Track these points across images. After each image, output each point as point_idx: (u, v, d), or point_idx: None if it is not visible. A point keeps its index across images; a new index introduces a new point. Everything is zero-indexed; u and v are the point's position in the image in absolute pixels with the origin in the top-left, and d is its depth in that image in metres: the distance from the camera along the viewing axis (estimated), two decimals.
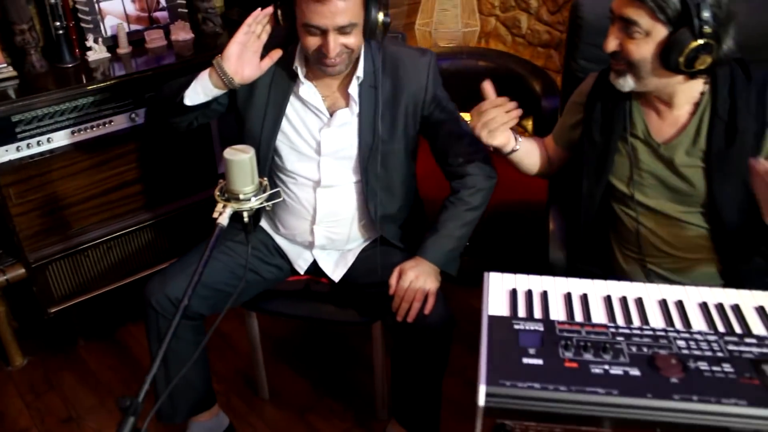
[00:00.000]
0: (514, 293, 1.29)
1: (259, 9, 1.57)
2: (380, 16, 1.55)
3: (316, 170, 1.73)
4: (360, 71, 1.66)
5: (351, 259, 1.84)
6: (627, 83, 1.44)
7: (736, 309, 1.26)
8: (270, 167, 1.76)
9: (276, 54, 1.62)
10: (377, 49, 1.67)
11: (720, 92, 1.43)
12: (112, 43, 2.40)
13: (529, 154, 1.71)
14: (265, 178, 1.36)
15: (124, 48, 2.39)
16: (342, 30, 1.51)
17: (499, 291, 1.30)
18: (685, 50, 1.32)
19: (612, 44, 1.41)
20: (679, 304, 1.27)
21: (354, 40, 1.55)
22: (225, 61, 1.57)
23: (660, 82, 1.42)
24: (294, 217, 1.80)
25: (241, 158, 1.28)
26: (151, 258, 2.45)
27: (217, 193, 1.33)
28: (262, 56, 1.62)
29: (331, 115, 1.70)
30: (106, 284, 2.39)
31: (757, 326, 1.21)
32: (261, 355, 2.18)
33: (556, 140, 1.75)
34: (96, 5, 2.37)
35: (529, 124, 2.66)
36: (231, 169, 1.29)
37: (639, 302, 1.28)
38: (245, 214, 1.32)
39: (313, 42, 1.54)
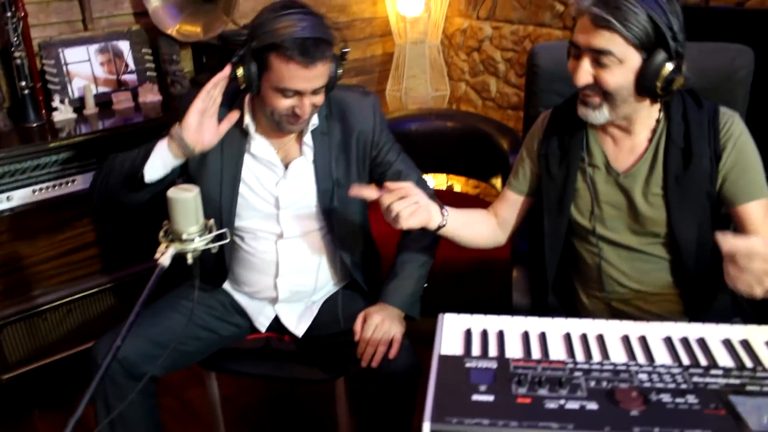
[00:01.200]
0: (468, 333, 1.24)
1: (219, 74, 1.50)
2: (339, 72, 1.57)
3: (277, 224, 1.70)
4: (315, 119, 1.64)
5: (315, 311, 1.78)
6: (602, 115, 1.40)
7: (702, 342, 1.21)
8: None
9: (234, 116, 1.57)
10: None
11: (674, 118, 1.43)
12: (79, 104, 2.40)
13: (465, 227, 1.62)
14: (212, 219, 1.32)
15: (90, 109, 2.39)
16: (315, 91, 1.52)
17: (454, 331, 1.25)
18: (661, 73, 1.31)
19: (584, 77, 1.36)
20: (642, 340, 1.22)
21: (321, 97, 1.56)
22: (185, 130, 1.50)
23: (632, 108, 1.41)
24: (255, 272, 1.75)
25: (184, 197, 1.24)
26: (112, 323, 2.36)
27: (161, 234, 1.28)
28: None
29: (286, 167, 1.67)
30: (65, 350, 2.30)
31: (723, 358, 1.17)
32: (222, 421, 2.07)
33: (514, 188, 1.67)
34: (64, 67, 2.38)
35: (497, 182, 2.66)
36: (174, 208, 1.25)
37: (600, 338, 1.23)
38: (189, 256, 1.27)
39: (285, 104, 1.52)
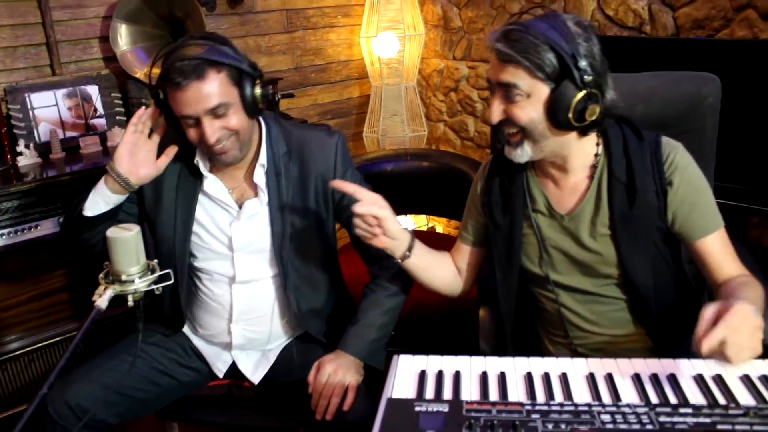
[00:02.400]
0: (423, 374, 1.17)
1: (141, 110, 1.52)
2: (257, 90, 1.48)
3: (231, 266, 1.63)
4: (263, 158, 1.58)
5: (272, 358, 1.70)
6: (524, 152, 1.35)
7: (672, 379, 1.14)
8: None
9: (172, 151, 1.55)
10: (279, 133, 1.61)
11: (614, 153, 1.37)
12: (45, 149, 2.36)
13: (429, 269, 1.55)
14: (155, 260, 1.26)
15: (57, 153, 2.35)
16: (214, 113, 1.44)
17: (407, 373, 1.17)
18: (572, 103, 1.26)
19: (496, 113, 1.32)
20: (609, 378, 1.15)
21: (234, 120, 1.46)
22: (117, 163, 1.49)
23: (555, 143, 1.34)
24: (210, 315, 1.68)
25: (124, 236, 1.18)
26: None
27: (101, 276, 1.22)
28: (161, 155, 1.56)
29: (240, 207, 1.61)
30: (27, 400, 2.21)
31: (694, 395, 1.09)
32: None
33: (466, 240, 1.60)
34: (30, 112, 2.35)
35: None
36: (113, 248, 1.19)
37: (563, 377, 1.16)
38: (130, 298, 1.21)
39: (193, 133, 1.47)
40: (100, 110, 2.51)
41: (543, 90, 1.27)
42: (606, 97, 1.30)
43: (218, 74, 1.42)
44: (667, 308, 1.39)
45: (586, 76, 1.24)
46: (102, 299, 1.18)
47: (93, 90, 2.49)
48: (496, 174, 1.49)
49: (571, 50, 1.23)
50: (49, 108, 2.40)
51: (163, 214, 1.61)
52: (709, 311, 1.11)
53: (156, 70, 1.50)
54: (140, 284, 1.21)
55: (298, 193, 1.61)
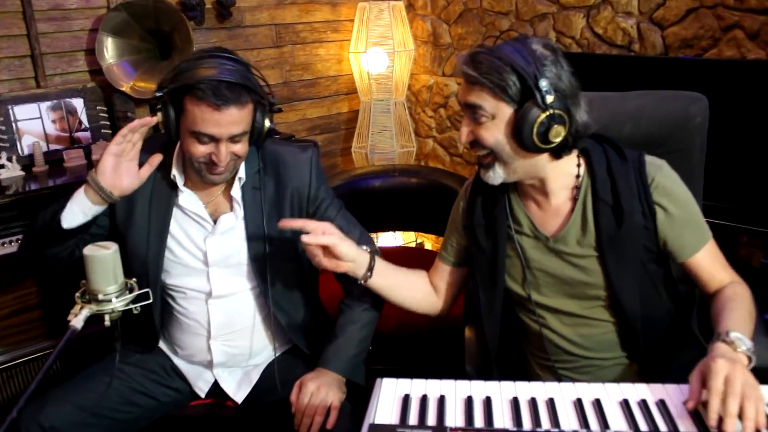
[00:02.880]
0: (407, 399, 1.14)
1: (137, 121, 1.44)
2: (267, 123, 1.50)
3: (206, 281, 1.60)
4: (242, 172, 1.56)
5: (255, 377, 1.66)
6: (497, 174, 1.34)
7: (662, 405, 1.12)
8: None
9: (156, 160, 1.50)
10: (257, 149, 1.59)
11: (598, 174, 1.34)
12: (28, 161, 2.33)
13: (396, 288, 1.54)
14: (134, 279, 1.23)
15: (40, 167, 2.32)
16: (234, 138, 1.44)
17: (391, 397, 1.15)
18: (534, 124, 1.24)
19: (464, 135, 1.33)
20: (597, 403, 1.13)
21: (242, 147, 1.48)
22: (100, 175, 1.43)
23: (527, 165, 1.33)
24: (188, 334, 1.65)
25: (101, 254, 1.16)
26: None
27: (77, 295, 1.19)
28: (140, 162, 1.50)
29: (215, 221, 1.58)
30: (3, 416, 2.16)
31: (685, 422, 1.07)
32: None
33: (445, 259, 1.58)
34: (14, 124, 2.32)
35: None
36: (90, 266, 1.16)
37: (550, 403, 1.13)
38: (107, 318, 1.18)
39: (202, 150, 1.44)
40: (85, 123, 2.48)
41: (506, 111, 1.27)
42: (576, 119, 1.28)
43: (250, 104, 1.44)
44: (655, 330, 1.37)
45: (548, 97, 1.23)
46: (77, 319, 1.15)
47: (78, 103, 2.46)
48: (478, 195, 1.48)
49: (534, 72, 1.23)
50: (33, 120, 2.37)
51: (136, 227, 1.57)
52: (695, 376, 1.10)
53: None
54: (117, 304, 1.18)
55: (274, 208, 1.60)
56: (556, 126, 1.24)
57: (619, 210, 1.32)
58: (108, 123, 2.52)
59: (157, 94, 1.44)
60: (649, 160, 1.35)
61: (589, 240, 1.35)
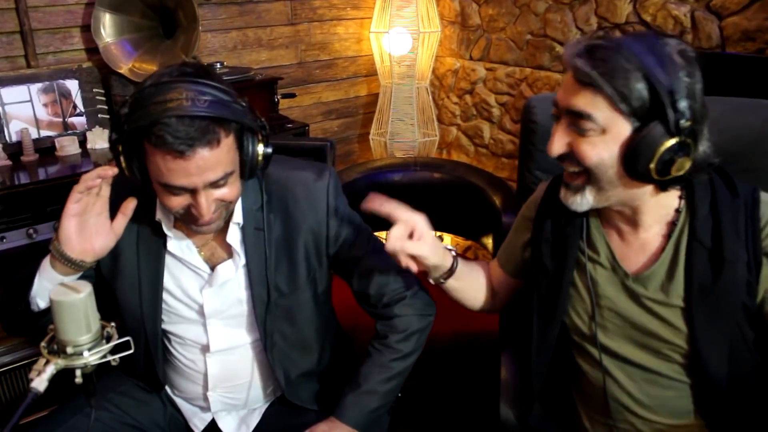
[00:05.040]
0: None
1: (93, 172, 1.17)
2: (260, 149, 1.21)
3: (203, 334, 1.39)
4: (238, 216, 1.31)
5: (255, 420, 1.48)
6: (585, 200, 1.12)
7: None
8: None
9: (129, 207, 1.24)
10: (259, 179, 1.33)
11: (699, 210, 1.12)
12: (16, 149, 2.14)
13: (469, 283, 1.40)
14: (112, 324, 1.03)
15: (29, 155, 2.13)
16: (215, 184, 1.16)
17: None
18: (657, 151, 1.01)
19: (559, 145, 1.09)
20: None
21: (230, 190, 1.20)
22: (64, 243, 1.18)
23: (625, 194, 1.11)
24: (185, 379, 1.46)
25: (70, 299, 0.96)
26: (52, 397, 2.07)
27: (43, 344, 1.00)
28: (113, 213, 1.23)
29: (212, 268, 1.34)
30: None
31: None
32: None
33: (502, 265, 1.43)
34: (1, 108, 2.12)
35: (489, 241, 2.39)
36: (58, 313, 0.96)
37: None
38: (78, 372, 0.99)
39: (177, 202, 1.17)
40: (80, 108, 2.27)
41: (624, 127, 1.03)
42: (699, 149, 1.05)
43: (227, 138, 1.14)
44: (741, 401, 1.15)
45: (682, 121, 1.00)
46: (41, 379, 0.95)
47: (72, 85, 2.25)
48: (551, 206, 1.26)
49: (670, 84, 0.99)
50: (22, 104, 2.17)
51: (125, 279, 1.34)
52: None
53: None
54: (91, 357, 0.99)
55: (283, 252, 1.35)
56: (681, 158, 1.02)
57: (719, 257, 1.09)
58: (105, 107, 2.32)
59: (112, 138, 1.16)
60: (765, 199, 1.11)
61: (677, 288, 1.13)
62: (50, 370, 0.96)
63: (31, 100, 2.19)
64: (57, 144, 2.19)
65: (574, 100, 1.05)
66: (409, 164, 2.57)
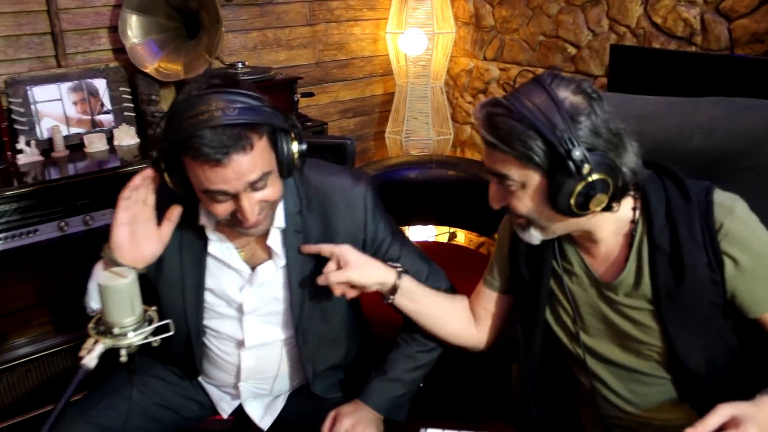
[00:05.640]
0: None
1: (137, 177, 1.24)
2: (294, 147, 1.25)
3: (239, 330, 1.46)
4: (280, 220, 1.35)
5: (279, 405, 1.56)
6: (534, 236, 1.19)
7: None
8: None
9: (175, 213, 1.29)
10: (298, 184, 1.38)
11: (655, 220, 1.17)
12: (47, 146, 2.23)
13: (429, 307, 1.42)
14: (154, 308, 1.11)
15: (60, 151, 2.22)
16: (254, 186, 1.21)
17: None
18: (570, 196, 1.08)
19: (495, 202, 1.18)
20: None
21: (272, 190, 1.24)
22: (117, 251, 1.24)
23: (569, 225, 1.17)
24: (218, 369, 1.53)
25: (117, 284, 1.04)
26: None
27: (90, 326, 1.08)
28: (158, 220, 1.29)
29: (253, 268, 1.40)
30: (23, 413, 2.13)
31: None
32: None
33: (491, 286, 1.42)
34: (33, 106, 2.21)
35: None
36: (105, 296, 1.05)
37: None
38: (123, 352, 1.07)
39: (222, 209, 1.22)
40: (108, 106, 2.36)
41: (536, 179, 1.10)
42: (622, 171, 1.10)
43: (260, 140, 1.19)
44: (723, 388, 1.19)
45: (585, 165, 1.05)
46: (91, 356, 1.04)
47: (100, 84, 2.34)
48: None
49: (564, 136, 1.04)
50: (52, 102, 2.26)
51: (169, 281, 1.40)
52: (719, 416, 0.97)
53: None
54: (135, 338, 1.07)
55: (322, 256, 1.40)
56: (597, 195, 1.08)
57: (679, 262, 1.15)
58: (131, 105, 2.40)
59: (153, 155, 1.22)
60: (718, 200, 1.16)
61: (645, 293, 1.19)
62: (99, 348, 1.05)
63: (61, 99, 2.27)
64: (86, 140, 2.27)
65: (491, 163, 1.12)
66: (424, 162, 2.63)
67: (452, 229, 3.30)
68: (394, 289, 1.36)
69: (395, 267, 1.38)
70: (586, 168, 1.05)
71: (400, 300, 1.38)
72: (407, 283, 1.38)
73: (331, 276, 1.30)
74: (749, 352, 1.26)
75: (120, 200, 1.23)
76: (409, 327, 1.47)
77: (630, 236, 1.20)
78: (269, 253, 1.39)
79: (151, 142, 2.36)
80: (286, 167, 1.25)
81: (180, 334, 1.40)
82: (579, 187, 1.06)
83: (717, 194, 1.17)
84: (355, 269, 1.31)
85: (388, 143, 3.18)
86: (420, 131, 3.10)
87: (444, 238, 3.30)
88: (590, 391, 1.30)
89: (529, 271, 1.31)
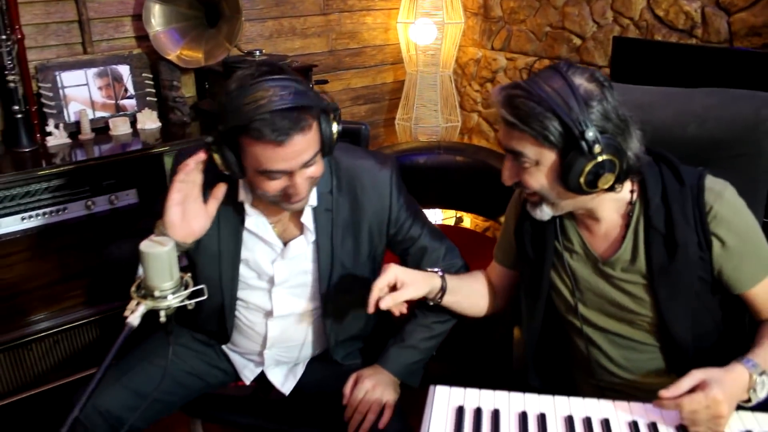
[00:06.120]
0: (461, 411, 1.13)
1: (190, 160, 1.35)
2: (334, 128, 1.36)
3: (268, 300, 1.56)
4: (313, 198, 1.47)
5: (300, 371, 1.68)
6: (544, 212, 1.30)
7: None
8: None
9: (221, 191, 1.40)
10: (329, 165, 1.48)
11: (652, 201, 1.29)
12: (75, 129, 2.34)
13: (465, 294, 1.53)
14: (189, 274, 1.22)
15: (86, 134, 2.32)
16: (306, 164, 1.33)
17: (444, 407, 1.15)
18: (581, 174, 1.18)
19: (508, 177, 1.28)
20: (653, 426, 1.11)
21: (318, 167, 1.36)
22: (170, 229, 1.35)
23: (577, 202, 1.29)
24: (244, 338, 1.65)
25: (157, 251, 1.15)
26: (100, 356, 2.28)
27: (133, 289, 1.19)
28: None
29: (285, 244, 1.52)
30: (51, 382, 2.23)
31: None
32: None
33: (501, 261, 1.56)
34: (61, 91, 2.32)
35: None
36: (147, 262, 1.15)
37: (605, 424, 1.12)
38: (162, 313, 1.18)
39: (275, 186, 1.33)
40: (131, 91, 2.46)
41: (550, 157, 1.21)
42: (627, 155, 1.22)
43: (314, 122, 1.31)
44: (707, 357, 1.31)
45: (596, 146, 1.16)
46: (134, 316, 1.15)
47: (124, 70, 2.44)
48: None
49: (578, 118, 1.15)
50: (79, 87, 2.36)
51: (206, 253, 1.51)
52: (691, 379, 1.12)
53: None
54: (173, 300, 1.18)
55: (349, 231, 1.52)
56: (605, 173, 1.18)
57: (672, 241, 1.26)
58: (153, 91, 2.50)
59: (208, 141, 1.33)
60: (709, 185, 1.28)
61: (640, 268, 1.31)
62: (141, 309, 1.16)
63: (87, 84, 2.38)
64: (110, 124, 2.38)
65: (508, 141, 1.23)
66: (433, 148, 2.73)
67: (459, 213, 3.40)
68: (443, 291, 1.45)
69: (435, 271, 1.47)
70: (597, 148, 1.16)
71: (447, 298, 1.47)
72: (451, 282, 1.47)
73: (390, 299, 1.34)
74: (733, 328, 1.38)
75: (174, 182, 1.35)
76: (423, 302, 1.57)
77: (627, 216, 1.31)
78: (300, 229, 1.50)
79: (173, 126, 2.47)
80: (327, 146, 1.36)
81: (213, 303, 1.51)
82: (589, 166, 1.17)
83: (708, 180, 1.28)
84: (409, 287, 1.37)
85: (397, 129, 3.28)
86: (429, 118, 3.19)
87: (451, 222, 3.40)
88: (587, 358, 1.42)
89: (534, 248, 1.42)
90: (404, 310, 1.39)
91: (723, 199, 1.26)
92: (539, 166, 1.22)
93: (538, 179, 1.23)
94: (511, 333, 1.70)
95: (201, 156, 1.35)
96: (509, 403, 1.17)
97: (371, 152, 1.63)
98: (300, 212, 1.48)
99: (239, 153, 1.31)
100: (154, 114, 2.45)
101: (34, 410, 2.32)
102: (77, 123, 2.33)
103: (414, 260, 1.59)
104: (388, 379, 1.49)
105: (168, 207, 1.35)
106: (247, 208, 1.48)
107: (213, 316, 1.58)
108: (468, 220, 3.42)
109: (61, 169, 2.08)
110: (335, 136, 1.37)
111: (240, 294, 1.57)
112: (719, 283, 1.30)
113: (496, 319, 1.63)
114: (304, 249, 1.52)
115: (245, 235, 1.51)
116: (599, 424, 1.12)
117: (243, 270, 1.54)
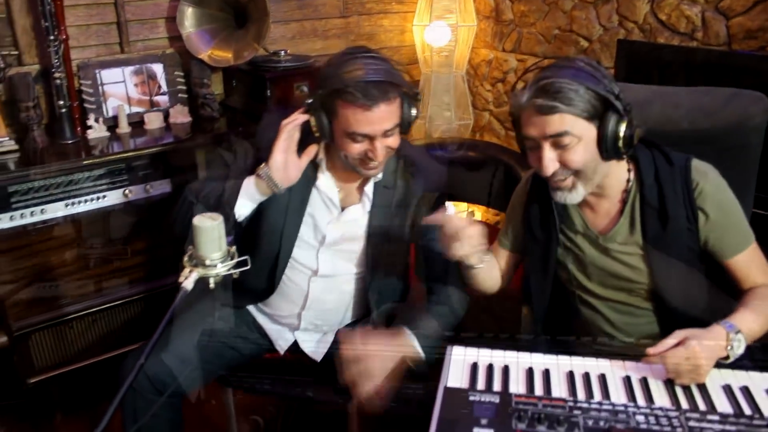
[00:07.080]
0: (474, 367, 1.28)
1: (297, 116, 1.58)
2: (413, 112, 1.59)
3: (315, 259, 1.73)
4: (380, 174, 1.66)
5: (330, 339, 1.82)
6: (578, 194, 1.45)
7: (702, 387, 1.24)
8: None
9: (312, 150, 1.63)
10: (396, 150, 1.65)
11: (646, 180, 1.46)
12: (112, 123, 2.50)
13: (491, 272, 1.67)
14: (234, 247, 1.38)
15: (123, 128, 2.48)
16: (386, 133, 1.53)
17: (460, 364, 1.29)
18: (620, 133, 1.35)
19: (551, 165, 1.38)
20: (643, 381, 1.26)
21: (395, 140, 1.57)
22: (274, 171, 1.57)
23: (600, 175, 1.44)
24: (284, 299, 1.79)
25: (209, 225, 1.30)
26: (137, 334, 2.44)
27: (185, 258, 1.35)
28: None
29: (342, 209, 1.70)
30: (89, 357, 2.37)
31: (722, 404, 1.19)
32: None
33: (504, 245, 1.72)
34: (100, 87, 2.48)
35: None
36: (199, 235, 1.31)
37: (602, 378, 1.27)
38: (211, 281, 1.33)
39: (357, 148, 1.54)
40: (164, 88, 2.63)
41: (591, 130, 1.36)
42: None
43: (397, 98, 1.52)
44: (697, 321, 1.46)
45: (628, 105, 1.34)
46: (188, 281, 1.30)
47: (158, 68, 2.61)
48: (535, 192, 1.60)
49: (603, 86, 1.33)
50: (117, 84, 2.53)
51: (275, 204, 1.67)
52: (674, 337, 1.28)
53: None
54: (221, 269, 1.33)
55: (400, 209, 1.70)
56: (636, 129, 1.36)
57: (664, 215, 1.43)
58: (185, 88, 2.66)
59: (308, 102, 1.55)
60: (695, 165, 1.45)
61: (637, 239, 1.48)
62: (194, 276, 1.31)
63: (124, 81, 2.54)
64: (145, 119, 2.54)
65: (549, 127, 1.35)
66: (447, 143, 2.87)
67: (471, 207, 3.53)
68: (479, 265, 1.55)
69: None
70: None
71: (482, 269, 1.57)
72: (489, 256, 1.61)
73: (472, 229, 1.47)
74: (719, 298, 1.53)
75: (283, 128, 1.57)
76: (434, 293, 1.72)
77: (625, 194, 1.48)
78: (359, 198, 1.69)
79: (203, 121, 2.63)
80: (406, 123, 1.57)
81: (269, 255, 1.68)
82: (625, 125, 1.34)
83: (694, 161, 1.46)
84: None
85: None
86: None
87: (463, 215, 3.53)
88: (590, 324, 1.58)
89: (542, 231, 1.58)
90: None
91: (708, 177, 1.44)
92: (582, 141, 1.36)
93: (582, 155, 1.37)
94: (519, 311, 1.84)
95: (303, 117, 1.56)
96: (518, 360, 1.32)
97: (426, 148, 1.86)
98: (365, 182, 1.67)
99: (331, 117, 1.54)
100: (186, 110, 2.61)
101: (72, 385, 2.47)
102: (115, 117, 2.49)
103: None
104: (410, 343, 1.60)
105: (275, 152, 1.57)
106: (322, 168, 1.67)
107: (264, 270, 1.72)
108: (479, 215, 3.55)
109: (101, 159, 2.23)
110: (413, 118, 1.58)
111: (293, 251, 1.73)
112: (705, 253, 1.47)
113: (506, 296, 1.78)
114: (359, 216, 1.70)
115: (313, 193, 1.69)
116: (597, 379, 1.26)
117: (303, 228, 1.71)
